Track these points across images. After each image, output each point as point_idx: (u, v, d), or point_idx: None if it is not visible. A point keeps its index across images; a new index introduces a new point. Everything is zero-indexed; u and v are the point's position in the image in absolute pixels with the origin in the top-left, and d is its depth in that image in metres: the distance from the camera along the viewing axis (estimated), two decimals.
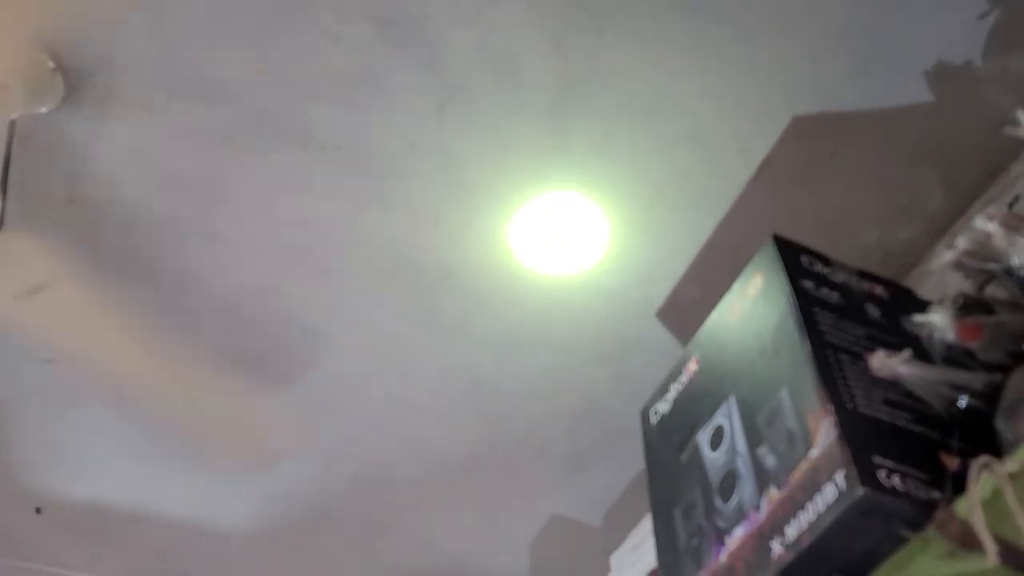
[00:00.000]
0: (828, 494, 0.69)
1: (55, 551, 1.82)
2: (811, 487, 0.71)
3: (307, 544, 1.84)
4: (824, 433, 0.73)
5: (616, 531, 1.62)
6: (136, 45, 1.14)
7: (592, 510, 1.74)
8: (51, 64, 1.13)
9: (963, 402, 0.71)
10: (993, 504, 0.61)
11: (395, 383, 1.54)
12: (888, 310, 0.91)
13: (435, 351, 1.48)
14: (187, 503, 1.74)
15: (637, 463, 1.63)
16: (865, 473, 0.67)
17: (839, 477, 0.68)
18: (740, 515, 0.81)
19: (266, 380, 1.53)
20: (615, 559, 1.49)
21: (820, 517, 0.69)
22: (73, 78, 1.16)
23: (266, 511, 1.76)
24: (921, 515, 0.66)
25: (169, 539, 1.81)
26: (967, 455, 0.69)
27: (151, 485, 1.70)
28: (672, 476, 0.98)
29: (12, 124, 1.17)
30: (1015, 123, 0.74)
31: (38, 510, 1.74)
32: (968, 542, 0.61)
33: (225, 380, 1.53)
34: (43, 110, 1.17)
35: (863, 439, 0.71)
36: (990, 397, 0.70)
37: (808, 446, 0.74)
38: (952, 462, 0.70)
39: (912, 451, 0.71)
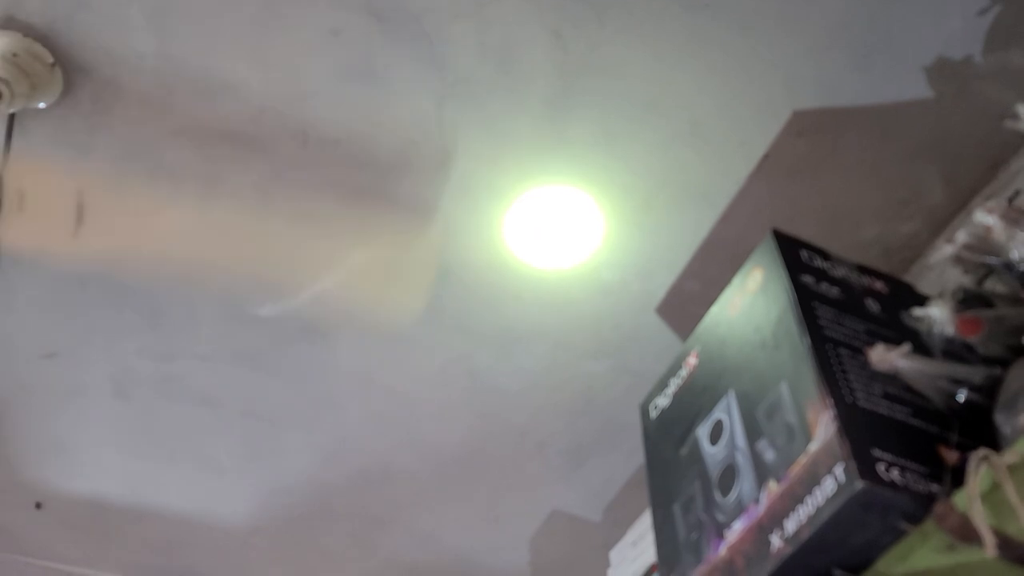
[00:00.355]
0: (827, 487, 0.69)
1: (55, 546, 1.82)
2: (810, 480, 0.71)
3: (307, 539, 1.84)
4: (823, 427, 0.73)
5: (616, 526, 1.62)
6: (136, 40, 1.13)
7: (592, 505, 1.74)
8: (50, 58, 1.13)
9: (962, 396, 0.71)
10: (992, 497, 0.61)
11: (394, 378, 1.54)
12: (888, 305, 0.91)
13: (434, 346, 1.48)
14: (187, 498, 1.74)
15: (637, 457, 1.63)
16: (864, 466, 0.67)
17: (838, 470, 0.68)
18: (739, 509, 0.81)
19: (265, 375, 1.53)
20: (615, 554, 1.49)
21: (819, 510, 0.69)
22: (72, 73, 1.16)
23: (266, 506, 1.76)
24: (920, 508, 0.66)
25: (169, 534, 1.81)
26: (966, 449, 0.69)
27: (151, 480, 1.70)
28: (671, 470, 0.98)
29: (11, 118, 1.17)
30: (1015, 117, 0.74)
31: (38, 505, 1.74)
32: (967, 535, 0.61)
33: (229, 376, 1.52)
34: (42, 105, 1.17)
35: (862, 433, 0.71)
36: (989, 391, 0.71)
37: (807, 440, 0.74)
38: (951, 456, 0.71)
39: (911, 445, 0.71)
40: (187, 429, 1.60)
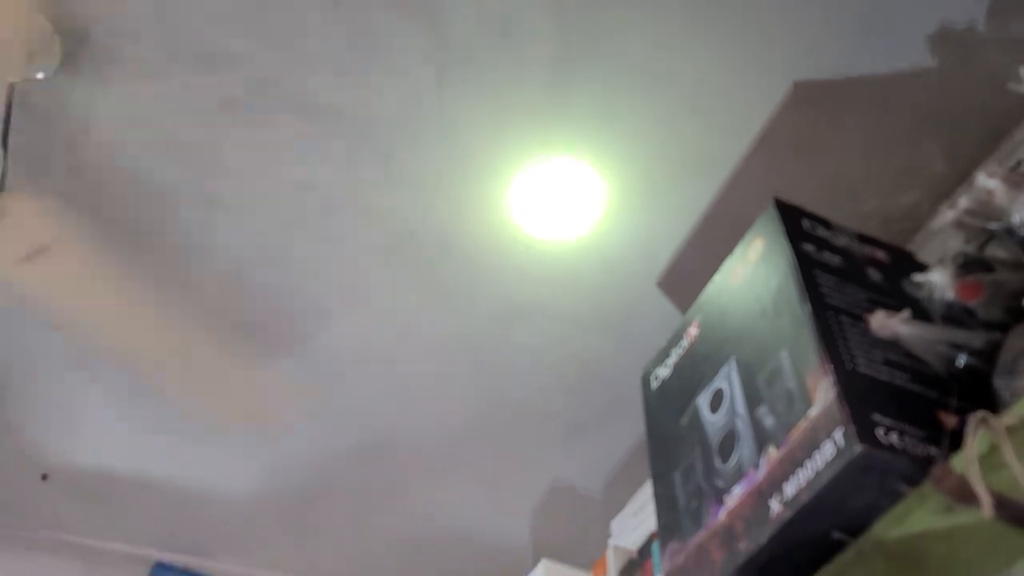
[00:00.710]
0: (827, 451, 0.69)
1: (62, 517, 1.84)
2: (810, 445, 0.72)
3: (310, 513, 1.85)
4: (823, 392, 0.73)
5: (617, 498, 1.63)
6: (135, 9, 1.13)
7: (593, 477, 1.75)
8: (49, 27, 1.12)
9: (962, 361, 0.72)
10: (990, 459, 0.62)
11: (396, 352, 1.54)
12: (889, 273, 0.91)
13: (435, 320, 1.49)
14: (192, 471, 1.75)
15: (638, 430, 1.64)
16: (863, 430, 0.67)
17: (838, 435, 0.69)
18: (739, 474, 0.81)
19: (267, 348, 1.53)
20: (616, 524, 1.51)
21: (819, 474, 0.70)
22: (72, 42, 1.15)
23: (270, 478, 1.77)
24: (918, 471, 0.66)
25: (175, 507, 1.82)
26: (965, 414, 0.69)
27: (156, 452, 1.71)
28: (672, 440, 0.99)
29: (11, 88, 1.16)
30: (1020, 80, 0.74)
31: (44, 476, 1.75)
32: (964, 496, 0.62)
33: (227, 348, 1.53)
34: (41, 75, 1.16)
35: (862, 398, 0.71)
36: (989, 356, 0.71)
37: (807, 406, 0.75)
38: (950, 420, 0.71)
39: (910, 410, 0.71)
40: (187, 401, 1.61)
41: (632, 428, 1.64)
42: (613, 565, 1.37)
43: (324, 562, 1.94)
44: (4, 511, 1.78)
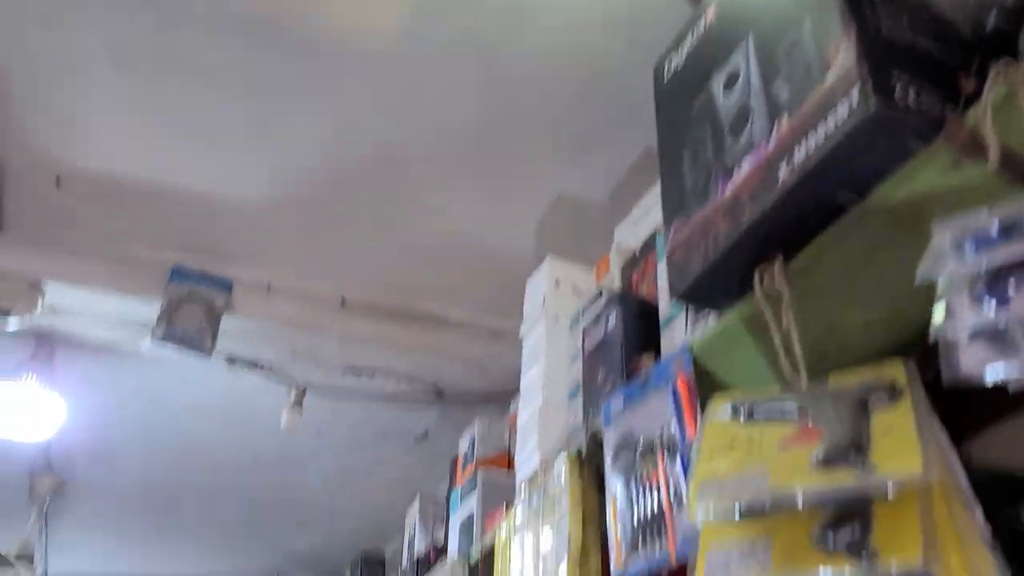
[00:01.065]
0: (841, 112, 0.69)
1: (80, 222, 1.88)
2: (825, 108, 0.71)
3: (322, 217, 1.90)
4: (843, 55, 0.71)
5: (622, 209, 1.66)
6: None
7: (598, 187, 1.77)
8: None
9: (991, 21, 0.69)
10: (1004, 110, 0.61)
11: (401, 51, 1.50)
12: None
13: (437, 16, 1.42)
14: (201, 176, 1.77)
15: (644, 139, 1.63)
16: (880, 87, 0.67)
17: (854, 93, 0.68)
18: (749, 147, 0.82)
19: (268, 44, 1.48)
20: (619, 231, 1.54)
21: (829, 136, 0.70)
22: None
23: (282, 184, 1.79)
24: (932, 130, 0.66)
25: (189, 211, 1.86)
26: (985, 78, 0.68)
27: (164, 157, 1.72)
28: (683, 125, 0.98)
29: None
30: None
31: (57, 180, 1.77)
32: (973, 149, 0.62)
33: (231, 47, 1.48)
34: None
35: (882, 58, 0.69)
36: (1019, 17, 0.68)
37: (825, 71, 0.73)
38: (969, 84, 0.70)
39: (931, 71, 0.70)
40: (192, 104, 1.59)
41: (639, 138, 1.63)
42: (616, 262, 1.42)
43: (338, 265, 2.02)
44: (24, 215, 1.82)
